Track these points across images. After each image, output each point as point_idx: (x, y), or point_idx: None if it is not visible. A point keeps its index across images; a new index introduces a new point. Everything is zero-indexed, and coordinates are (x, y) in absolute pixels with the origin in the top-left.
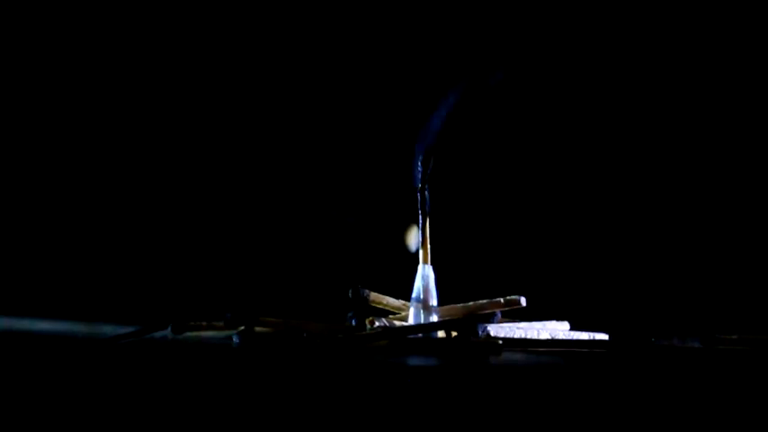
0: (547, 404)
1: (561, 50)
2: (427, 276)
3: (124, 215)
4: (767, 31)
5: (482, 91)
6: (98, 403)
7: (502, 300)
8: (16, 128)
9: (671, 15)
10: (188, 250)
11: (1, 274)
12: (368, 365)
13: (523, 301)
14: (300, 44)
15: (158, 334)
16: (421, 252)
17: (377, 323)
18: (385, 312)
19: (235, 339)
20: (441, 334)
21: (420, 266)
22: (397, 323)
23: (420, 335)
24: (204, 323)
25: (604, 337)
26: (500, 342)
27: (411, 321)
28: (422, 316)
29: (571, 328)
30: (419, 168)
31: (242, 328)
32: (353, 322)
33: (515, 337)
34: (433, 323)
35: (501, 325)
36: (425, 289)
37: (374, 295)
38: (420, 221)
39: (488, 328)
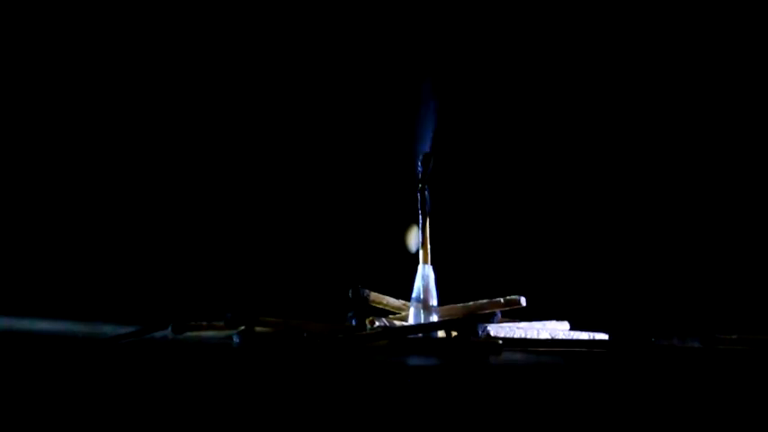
0: (547, 404)
1: (562, 51)
2: (427, 276)
3: (124, 215)
4: (766, 31)
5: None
6: (98, 403)
7: (502, 300)
8: (16, 128)
9: (671, 15)
10: (188, 250)
11: (1, 274)
12: (368, 365)
13: (523, 301)
14: (301, 45)
15: (159, 334)
16: (421, 252)
17: (377, 323)
18: (385, 312)
19: (235, 339)
20: (441, 334)
21: (420, 266)
22: (398, 323)
23: (420, 335)
24: (204, 323)
25: (604, 337)
26: (500, 342)
27: (411, 321)
28: (422, 316)
29: (571, 328)
30: (419, 168)
31: (242, 327)
32: (354, 322)
33: (515, 337)
34: (433, 323)
35: (501, 325)
36: (425, 289)
37: (374, 295)
38: (420, 221)
39: (488, 328)
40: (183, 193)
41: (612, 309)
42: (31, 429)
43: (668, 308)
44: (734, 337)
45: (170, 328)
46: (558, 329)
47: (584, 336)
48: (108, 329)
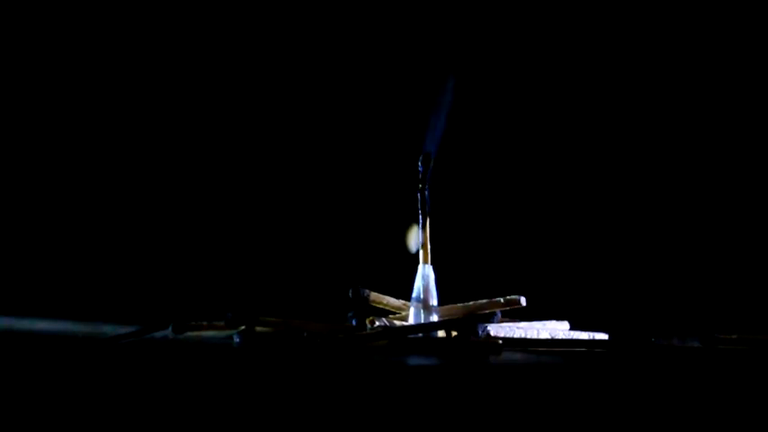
0: (547, 404)
1: (562, 51)
2: (427, 276)
3: (124, 215)
4: (766, 31)
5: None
6: (98, 403)
7: (502, 300)
8: (16, 128)
9: (671, 16)
10: (188, 250)
11: (1, 274)
12: (368, 365)
13: (523, 301)
14: (301, 45)
15: (159, 334)
16: (421, 252)
17: (377, 323)
18: (385, 312)
19: (235, 339)
20: (441, 334)
21: (420, 266)
22: (398, 323)
23: (420, 335)
24: (205, 323)
25: (604, 336)
26: (500, 342)
27: (411, 321)
28: (422, 316)
29: (571, 328)
30: (419, 168)
31: (243, 327)
32: (354, 322)
33: (515, 336)
34: (433, 323)
35: (501, 325)
36: (425, 289)
37: (374, 295)
38: (420, 221)
39: (488, 327)
40: (183, 193)
41: (612, 309)
42: (31, 429)
43: (668, 308)
44: (734, 337)
45: (170, 328)
46: (558, 329)
47: (584, 336)
48: (108, 329)
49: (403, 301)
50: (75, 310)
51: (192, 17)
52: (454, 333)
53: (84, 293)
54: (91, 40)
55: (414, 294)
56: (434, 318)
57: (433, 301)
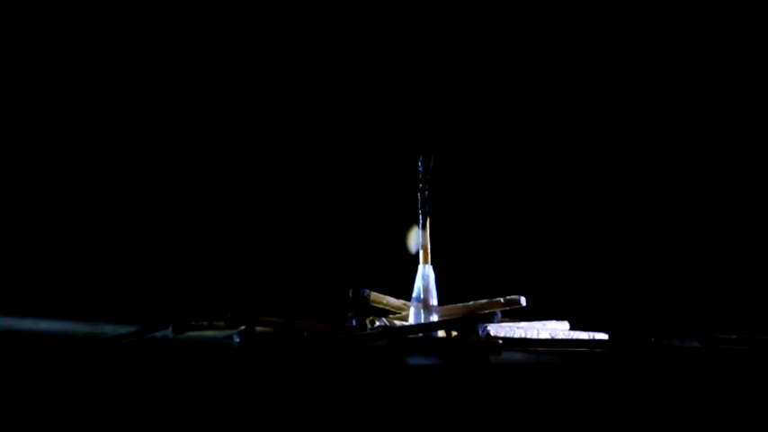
0: (547, 404)
1: (561, 51)
2: (427, 276)
3: (125, 215)
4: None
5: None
6: (98, 403)
7: (502, 300)
8: (16, 128)
9: (670, 16)
10: (189, 250)
11: (1, 274)
12: (368, 365)
13: (523, 301)
14: (301, 46)
15: (159, 333)
16: (421, 252)
17: (377, 323)
18: (385, 312)
19: (236, 339)
20: (441, 334)
21: (420, 266)
22: (398, 323)
23: (420, 334)
24: (205, 323)
25: (604, 336)
26: (500, 342)
27: (411, 321)
28: (422, 316)
29: (571, 328)
30: (419, 168)
31: (243, 327)
32: (354, 322)
33: (515, 336)
34: (434, 323)
35: (501, 325)
36: (426, 289)
37: (374, 295)
38: (420, 221)
39: (488, 327)
40: (183, 193)
41: (612, 309)
42: (31, 429)
43: (668, 308)
44: (734, 336)
45: (171, 328)
46: (558, 329)
47: (584, 336)
48: (108, 329)
49: (403, 301)
50: (75, 310)
51: (192, 17)
52: (454, 333)
53: (85, 293)
54: (91, 40)
55: (414, 294)
56: (434, 318)
57: (433, 301)
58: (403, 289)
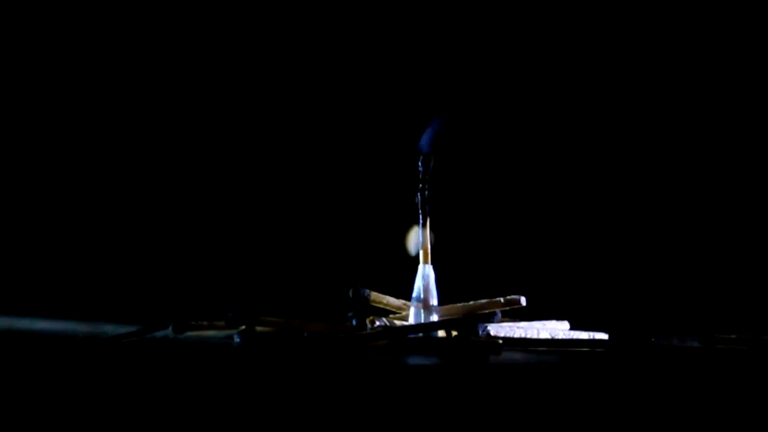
0: (547, 404)
1: (561, 51)
2: (427, 276)
3: (125, 215)
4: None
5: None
6: (98, 403)
7: (502, 300)
8: (16, 128)
9: (670, 16)
10: (189, 250)
11: (1, 274)
12: (368, 365)
13: (523, 300)
14: (301, 45)
15: (159, 333)
16: (421, 252)
17: (377, 323)
18: (385, 312)
19: (236, 339)
20: (441, 333)
21: (420, 266)
22: (398, 323)
23: (420, 334)
24: (205, 323)
25: (604, 336)
26: (500, 342)
27: (411, 321)
28: (422, 315)
29: (571, 328)
30: (419, 168)
31: (243, 327)
32: (354, 322)
33: (515, 336)
34: (434, 323)
35: (501, 325)
36: (426, 288)
37: (375, 295)
38: (420, 221)
39: (488, 327)
40: (183, 192)
41: (612, 309)
42: (31, 429)
43: (668, 308)
44: (733, 336)
45: (171, 328)
46: (558, 329)
47: (584, 335)
48: (109, 329)
49: (403, 301)
50: (75, 309)
51: (192, 17)
52: (454, 333)
53: (85, 293)
54: (91, 40)
55: (414, 294)
56: (434, 318)
57: (433, 301)
58: (403, 289)
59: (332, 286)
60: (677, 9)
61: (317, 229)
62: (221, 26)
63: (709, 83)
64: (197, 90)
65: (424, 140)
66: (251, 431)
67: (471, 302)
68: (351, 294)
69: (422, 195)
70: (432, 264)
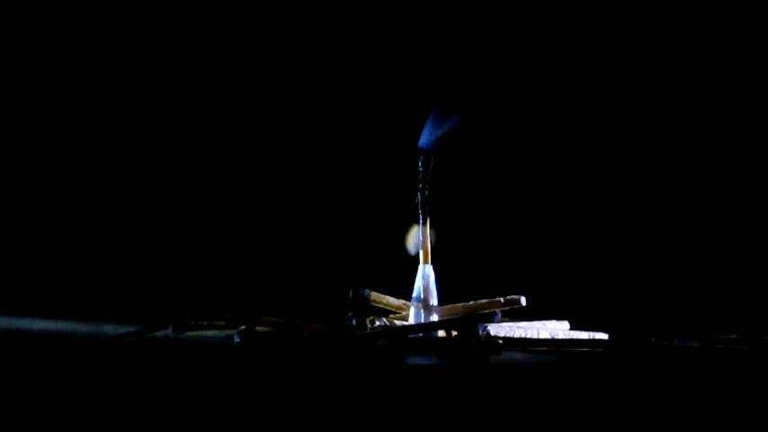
0: (547, 404)
1: (560, 51)
2: (427, 276)
3: (125, 215)
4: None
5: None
6: (98, 403)
7: (502, 299)
8: (16, 128)
9: (670, 16)
10: (189, 250)
11: (1, 274)
12: (368, 365)
13: (523, 300)
14: (302, 45)
15: (159, 333)
16: (421, 252)
17: (377, 323)
18: (385, 312)
19: (236, 339)
20: (441, 333)
21: (420, 266)
22: (398, 323)
23: (420, 334)
24: (205, 323)
25: (604, 336)
26: (500, 342)
27: (411, 321)
28: (422, 315)
29: (571, 328)
30: (419, 168)
31: (243, 327)
32: (354, 322)
33: (515, 336)
34: (434, 323)
35: (501, 325)
36: (426, 288)
37: (375, 295)
38: (420, 221)
39: (488, 327)
40: (183, 192)
41: (612, 309)
42: (31, 429)
43: (668, 308)
44: (733, 336)
45: (171, 328)
46: (558, 329)
47: (584, 335)
48: (109, 329)
49: (403, 301)
50: (75, 309)
51: (192, 17)
52: (454, 333)
53: (85, 293)
54: (91, 40)
55: (414, 294)
56: (434, 318)
57: (433, 301)
58: (403, 289)
59: (332, 286)
60: (677, 9)
61: (316, 230)
62: (221, 26)
63: (709, 83)
64: (197, 90)
65: (425, 139)
66: (251, 431)
67: (471, 302)
68: (351, 294)
69: (422, 195)
70: (432, 264)
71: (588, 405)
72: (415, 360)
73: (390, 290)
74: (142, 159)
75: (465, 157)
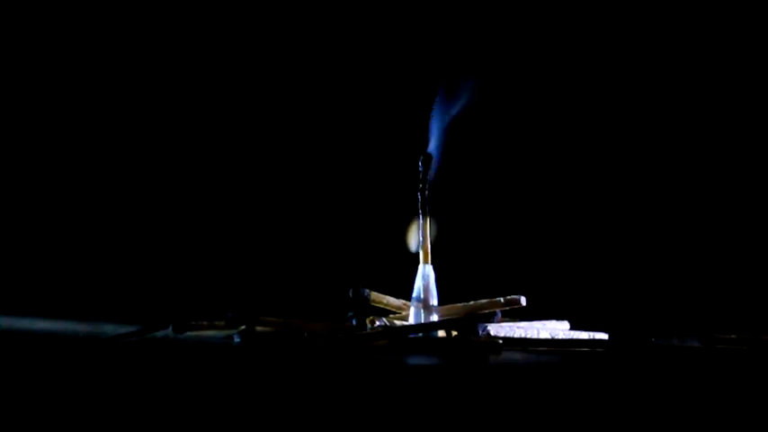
0: (547, 404)
1: (561, 51)
2: (427, 276)
3: (125, 214)
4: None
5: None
6: (98, 403)
7: (502, 299)
8: (16, 128)
9: (670, 16)
10: (189, 250)
11: (1, 274)
12: (368, 365)
13: (523, 300)
14: (302, 45)
15: (159, 333)
16: (421, 252)
17: (377, 323)
18: (385, 312)
19: (236, 339)
20: (441, 333)
21: (420, 266)
22: (398, 323)
23: (420, 334)
24: (205, 323)
25: (604, 336)
26: (500, 342)
27: (411, 321)
28: (422, 315)
29: (571, 328)
30: (419, 168)
31: (243, 327)
32: (354, 322)
33: (515, 336)
34: (434, 323)
35: (501, 325)
36: (426, 288)
37: (374, 295)
38: (420, 221)
39: (488, 327)
40: (183, 192)
41: (612, 309)
42: (31, 429)
43: (668, 308)
44: (733, 336)
45: (171, 328)
46: (558, 329)
47: (584, 335)
48: (108, 329)
49: (403, 301)
50: (76, 309)
51: (192, 17)
52: (454, 333)
53: (85, 293)
54: (91, 40)
55: (414, 294)
56: (434, 318)
57: (433, 301)
58: (403, 289)
59: (332, 286)
60: (677, 9)
61: (316, 230)
62: (221, 26)
63: (708, 83)
64: (197, 90)
65: (433, 143)
66: (251, 431)
67: (471, 302)
68: (351, 294)
69: (422, 195)
70: (432, 264)
71: (588, 405)
72: (415, 360)
73: (390, 290)
74: (142, 160)
75: (465, 158)
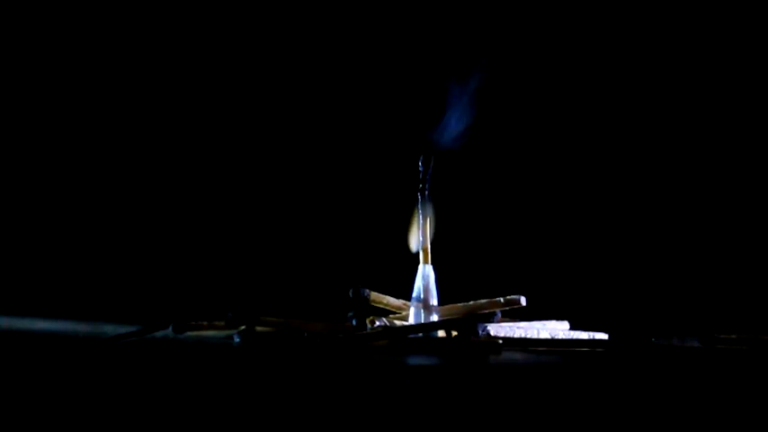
0: (547, 404)
1: (561, 51)
2: (427, 276)
3: (125, 214)
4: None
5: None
6: (98, 403)
7: (502, 299)
8: (16, 128)
9: (670, 16)
10: (189, 250)
11: (1, 274)
12: (368, 365)
13: (523, 300)
14: (302, 45)
15: (159, 333)
16: (421, 252)
17: (377, 323)
18: (385, 312)
19: (236, 339)
20: (441, 333)
21: (420, 266)
22: (398, 323)
23: (420, 334)
24: (205, 323)
25: (604, 336)
26: (500, 342)
27: (411, 321)
28: (422, 315)
29: (571, 328)
30: (420, 168)
31: (243, 327)
32: (354, 322)
33: (515, 336)
34: (434, 323)
35: (501, 325)
36: (426, 288)
37: (374, 295)
38: (420, 221)
39: (488, 327)
40: (183, 192)
41: (612, 309)
42: (31, 429)
43: (668, 308)
44: (733, 336)
45: (171, 328)
46: (558, 329)
47: (584, 335)
48: (109, 329)
49: (403, 301)
50: (76, 309)
51: (192, 17)
52: (454, 333)
53: (85, 293)
54: (91, 40)
55: (414, 294)
56: (434, 318)
57: (433, 301)
58: (403, 289)
59: (332, 286)
60: (677, 9)
61: (316, 229)
62: (221, 26)
63: (708, 83)
64: (197, 90)
65: (448, 134)
66: (251, 431)
67: (471, 302)
68: (351, 294)
69: (422, 195)
70: (432, 264)
71: (588, 405)
72: (415, 360)
73: (390, 290)
74: (142, 160)
75: (465, 158)
